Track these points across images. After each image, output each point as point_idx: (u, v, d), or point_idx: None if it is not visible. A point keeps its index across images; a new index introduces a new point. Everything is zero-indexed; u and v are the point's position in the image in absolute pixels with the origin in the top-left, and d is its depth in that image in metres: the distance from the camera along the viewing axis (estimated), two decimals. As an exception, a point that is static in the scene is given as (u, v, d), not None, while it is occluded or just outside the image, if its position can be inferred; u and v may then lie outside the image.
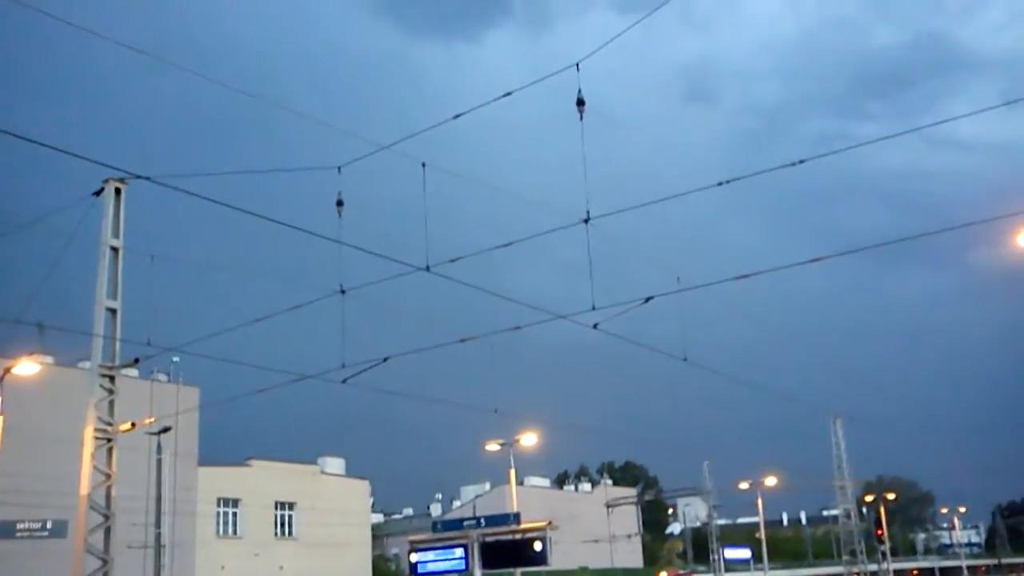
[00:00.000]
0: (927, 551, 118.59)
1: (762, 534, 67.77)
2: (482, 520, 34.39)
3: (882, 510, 69.07)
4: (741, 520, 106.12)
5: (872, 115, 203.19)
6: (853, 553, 61.09)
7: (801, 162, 13.38)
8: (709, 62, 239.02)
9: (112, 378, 19.26)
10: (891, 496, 77.73)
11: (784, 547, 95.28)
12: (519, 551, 31.62)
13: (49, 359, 34.88)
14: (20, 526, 33.87)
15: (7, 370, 22.72)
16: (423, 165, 14.72)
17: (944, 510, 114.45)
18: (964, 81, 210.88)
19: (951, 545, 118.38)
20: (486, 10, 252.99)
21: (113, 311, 19.22)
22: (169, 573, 38.52)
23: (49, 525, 34.17)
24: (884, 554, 64.72)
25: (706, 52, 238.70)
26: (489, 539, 32.14)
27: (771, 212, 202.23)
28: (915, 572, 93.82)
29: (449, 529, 34.89)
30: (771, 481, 62.36)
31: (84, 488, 18.58)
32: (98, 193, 18.74)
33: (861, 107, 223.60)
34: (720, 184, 14.06)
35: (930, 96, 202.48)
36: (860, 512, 68.46)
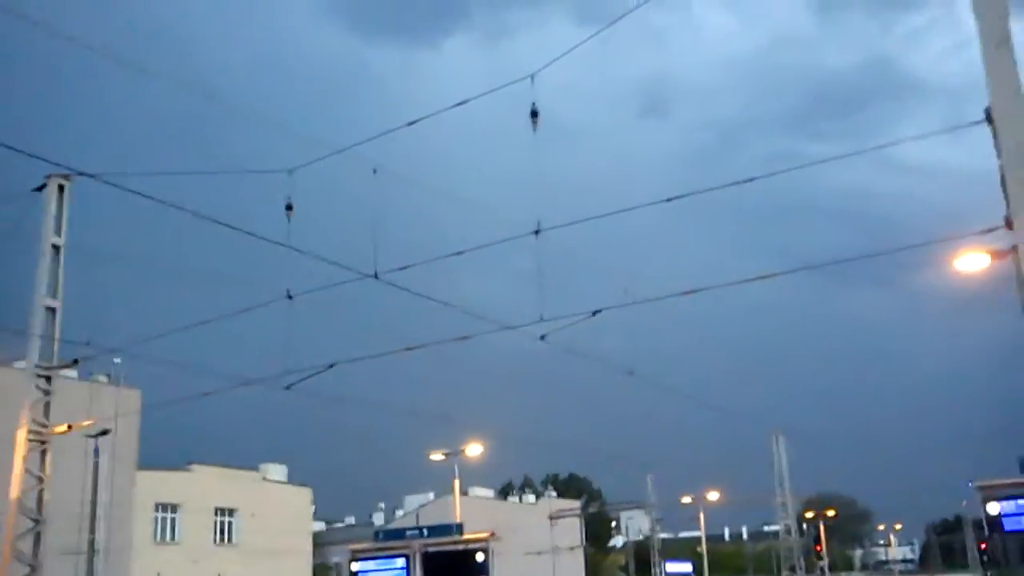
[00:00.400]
0: (864, 567, 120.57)
1: (703, 548, 68.37)
2: (424, 530, 34.23)
3: (821, 526, 70.05)
4: (683, 534, 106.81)
5: (824, 135, 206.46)
6: (793, 569, 61.86)
7: (751, 180, 13.54)
8: (665, 77, 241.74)
9: (49, 379, 18.83)
10: (831, 513, 78.88)
11: (725, 562, 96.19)
12: (461, 562, 31.41)
13: (-18, 358, 34.02)
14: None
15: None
16: (374, 171, 14.63)
17: (881, 527, 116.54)
18: (911, 105, 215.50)
19: (887, 561, 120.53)
20: (445, 18, 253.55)
21: (52, 310, 18.80)
22: (103, 579, 37.69)
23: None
24: (823, 570, 65.57)
25: (662, 67, 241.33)
26: (431, 549, 31.91)
27: (722, 228, 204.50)
28: None
29: (391, 538, 34.63)
30: (713, 496, 62.97)
31: (15, 491, 18.11)
32: (40, 189, 18.35)
33: (814, 127, 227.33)
34: (668, 200, 14.17)
35: (880, 118, 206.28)
36: (800, 528, 69.36)
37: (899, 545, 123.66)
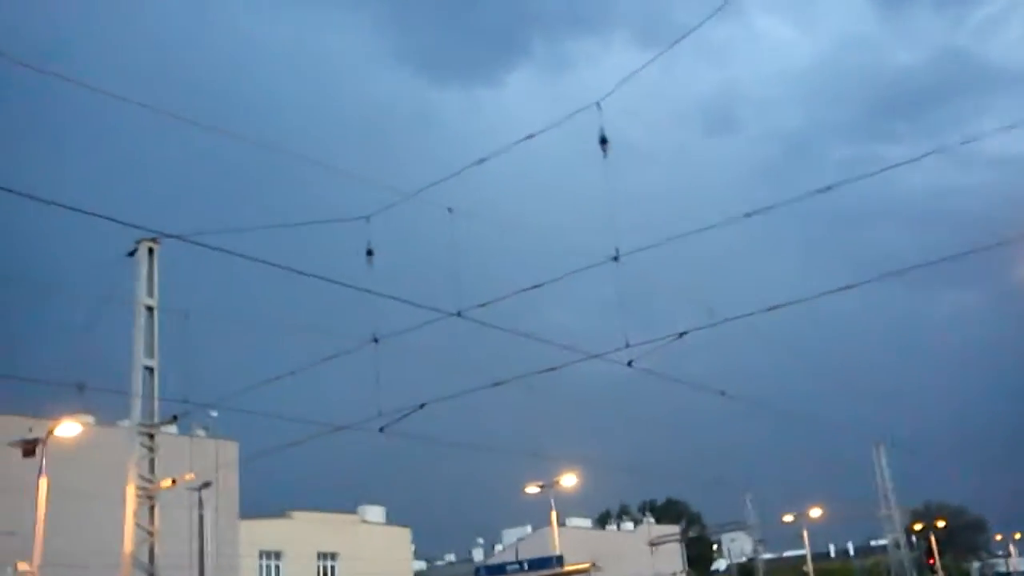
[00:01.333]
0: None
1: (809, 567, 66.50)
2: (525, 563, 34.18)
3: (932, 538, 67.63)
4: (787, 553, 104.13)
5: (897, 136, 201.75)
6: (905, 583, 59.79)
7: (829, 188, 13.33)
8: (729, 93, 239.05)
9: (152, 436, 19.43)
10: (941, 523, 76.11)
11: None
12: (564, 594, 31.34)
13: (90, 419, 35.19)
14: (65, 587, 33.98)
15: (49, 431, 22.93)
16: (449, 210, 14.82)
17: (999, 537, 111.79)
18: (989, 97, 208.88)
19: (1009, 573, 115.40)
20: (506, 54, 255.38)
21: (151, 369, 19.42)
22: (214, 628, 38.41)
23: (93, 584, 34.27)
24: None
25: (726, 83, 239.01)
26: (533, 583, 31.90)
27: (801, 240, 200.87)
28: None
29: (493, 574, 34.69)
30: (816, 512, 61.33)
31: (128, 546, 18.67)
32: (132, 254, 19.04)
33: (886, 129, 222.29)
34: (747, 215, 14.01)
35: (956, 114, 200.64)
36: (910, 541, 67.05)
37: (1021, 555, 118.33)
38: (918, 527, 74.33)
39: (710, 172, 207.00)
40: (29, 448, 22.87)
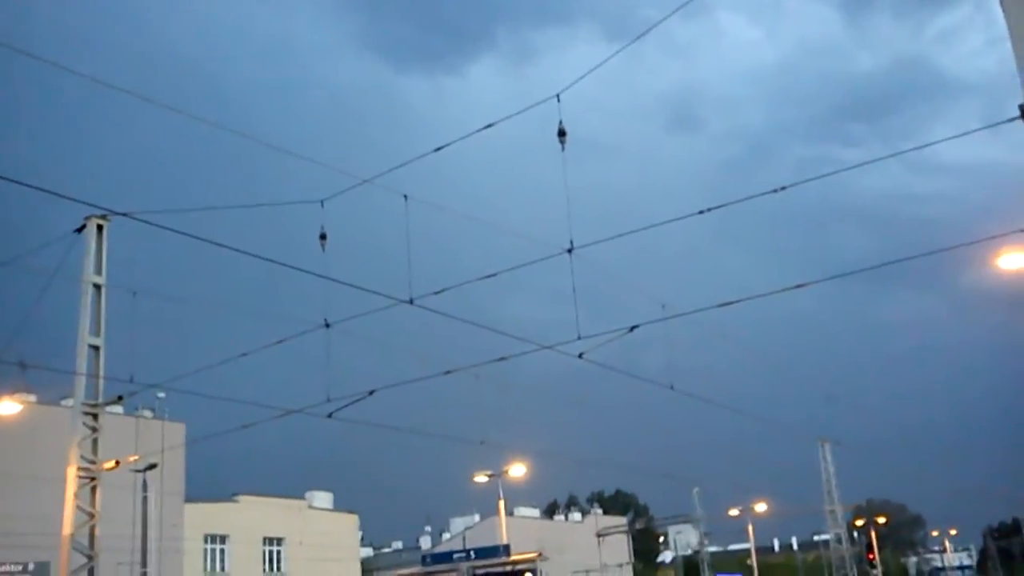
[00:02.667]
0: (919, 574, 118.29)
1: (753, 560, 67.51)
2: (472, 552, 34.24)
3: (873, 534, 68.95)
4: (732, 547, 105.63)
5: (856, 140, 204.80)
6: (845, 577, 60.89)
7: (783, 188, 13.46)
8: (692, 90, 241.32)
9: (95, 416, 19.11)
10: (881, 520, 77.65)
11: (776, 573, 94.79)
12: (509, 583, 31.44)
13: (32, 398, 34.56)
14: (1, 568, 33.43)
15: (-13, 410, 22.47)
16: (405, 197, 14.73)
17: (935, 533, 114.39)
18: (945, 105, 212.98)
19: (943, 568, 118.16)
20: (470, 43, 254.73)
21: (96, 348, 19.10)
22: (156, 612, 38.02)
23: (31, 567, 33.76)
24: (876, 578, 64.54)
25: (689, 80, 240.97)
26: (479, 571, 31.99)
27: (757, 238, 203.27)
28: None
29: (439, 562, 34.73)
30: (761, 507, 62.25)
31: (67, 528, 18.36)
32: (80, 230, 18.69)
33: (844, 132, 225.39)
34: (701, 212, 14.11)
35: (913, 120, 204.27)
36: (851, 536, 68.33)
37: (955, 550, 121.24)
38: (860, 523, 75.76)
39: (672, 168, 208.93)
40: (-33, 426, 22.43)
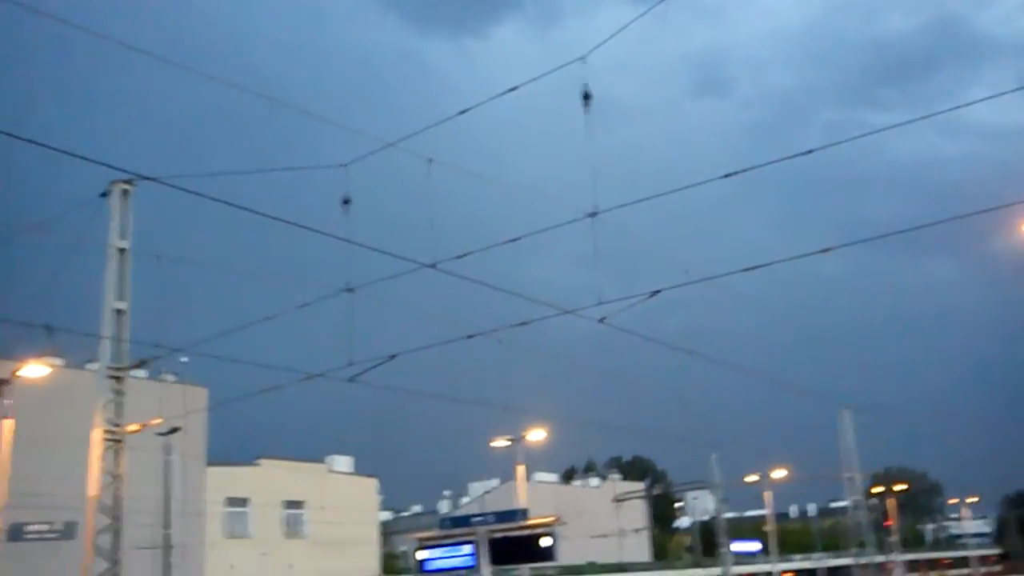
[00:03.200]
0: (936, 542, 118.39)
1: (771, 527, 67.67)
2: (490, 516, 34.38)
3: (890, 502, 68.97)
4: (749, 513, 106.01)
5: (886, 103, 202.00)
6: (862, 545, 61.00)
7: (810, 152, 13.31)
8: (719, 52, 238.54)
9: (120, 379, 19.29)
10: (900, 487, 77.56)
11: (793, 540, 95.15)
12: (527, 547, 31.53)
13: (59, 361, 34.88)
14: (29, 528, 33.91)
15: (14, 372, 22.73)
16: (429, 161, 14.68)
17: (953, 501, 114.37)
18: (980, 67, 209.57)
19: (960, 536, 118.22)
20: (495, 5, 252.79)
21: (121, 312, 19.24)
22: (179, 573, 38.56)
23: (59, 527, 34.23)
24: (893, 545, 64.63)
25: (716, 42, 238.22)
26: (497, 535, 32.08)
27: (783, 203, 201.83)
28: (944, 561, 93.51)
29: (456, 526, 34.84)
30: (779, 474, 62.29)
31: (92, 490, 18.63)
32: (105, 195, 18.77)
33: (874, 95, 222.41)
34: (727, 176, 13.98)
35: (945, 83, 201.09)
36: (868, 504, 68.38)
37: (973, 519, 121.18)
38: (878, 490, 75.72)
39: (699, 131, 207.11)
40: (-5, 388, 22.70)
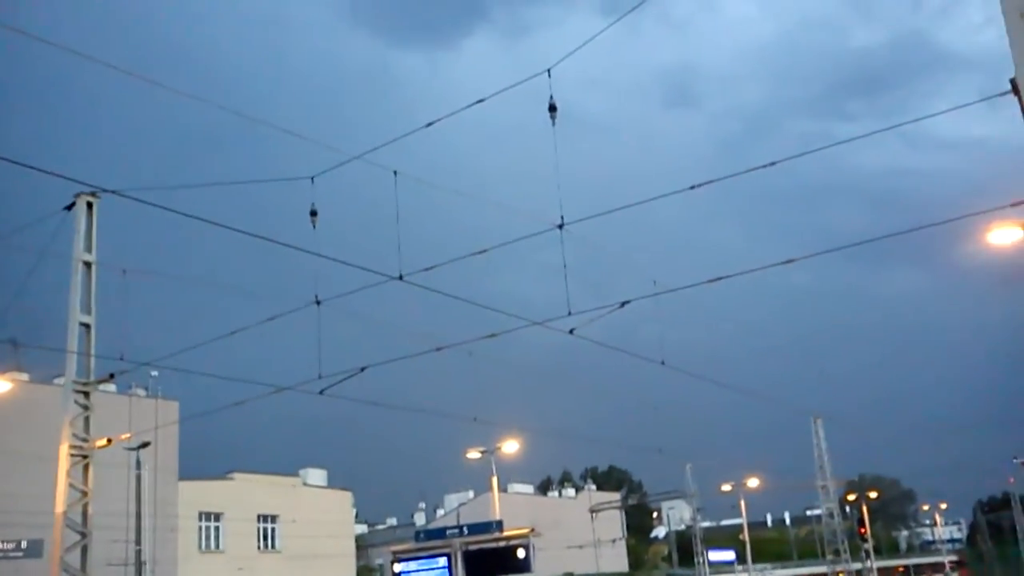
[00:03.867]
0: (910, 548, 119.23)
1: (746, 535, 67.97)
2: (465, 528, 34.37)
3: (864, 509, 69.36)
4: (725, 522, 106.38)
5: (853, 116, 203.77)
6: (837, 552, 61.29)
7: (773, 164, 13.43)
8: (689, 67, 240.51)
9: (87, 394, 19.08)
10: (873, 495, 78.12)
11: (768, 548, 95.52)
12: (503, 559, 31.59)
13: (24, 376, 34.53)
14: (-6, 546, 33.54)
15: (-21, 388, 22.47)
16: (395, 173, 14.68)
17: (926, 507, 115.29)
18: (943, 81, 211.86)
19: (933, 542, 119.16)
20: (465, 18, 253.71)
21: (87, 326, 19.05)
22: (151, 589, 38.22)
23: (24, 544, 33.83)
24: (868, 552, 64.94)
25: (686, 56, 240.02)
26: (472, 547, 32.12)
27: (750, 214, 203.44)
28: (900, 569, 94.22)
29: (432, 538, 34.85)
30: (753, 482, 62.61)
31: (59, 506, 18.38)
32: (69, 208, 18.60)
33: (842, 108, 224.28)
34: (693, 187, 14.08)
35: (911, 96, 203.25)
36: (843, 511, 68.77)
37: (945, 524, 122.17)
38: (852, 498, 76.21)
39: (668, 146, 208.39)
40: (-40, 405, 22.44)
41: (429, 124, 14.58)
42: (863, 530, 66.22)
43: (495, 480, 42.09)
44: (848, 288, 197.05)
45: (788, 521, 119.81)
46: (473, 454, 41.16)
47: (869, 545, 65.32)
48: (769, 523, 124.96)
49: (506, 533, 32.40)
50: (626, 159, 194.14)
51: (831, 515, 62.12)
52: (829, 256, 18.77)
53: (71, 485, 18.64)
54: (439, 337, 18.05)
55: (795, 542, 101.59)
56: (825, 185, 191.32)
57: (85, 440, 19.07)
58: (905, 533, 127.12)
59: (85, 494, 18.87)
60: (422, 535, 36.93)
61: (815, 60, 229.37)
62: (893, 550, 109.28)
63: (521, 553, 30.96)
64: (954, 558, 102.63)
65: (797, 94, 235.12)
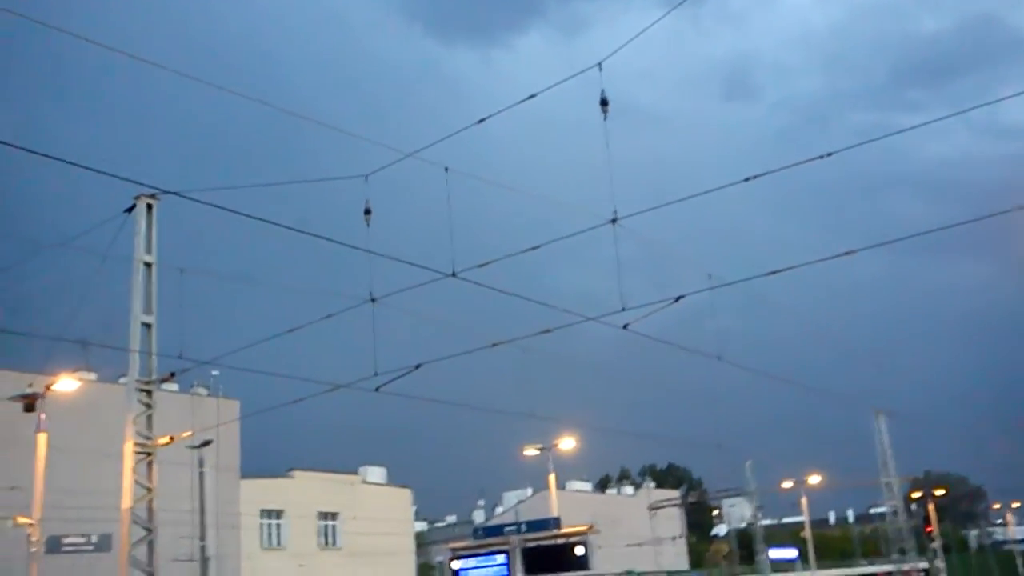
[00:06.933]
0: (980, 548, 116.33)
1: (808, 533, 66.95)
2: (523, 526, 34.32)
3: (931, 507, 67.90)
4: (787, 520, 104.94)
5: (917, 105, 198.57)
6: (903, 551, 60.12)
7: (829, 155, 13.16)
8: (746, 57, 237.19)
9: (149, 392, 19.46)
10: (940, 492, 76.31)
11: (831, 546, 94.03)
12: (561, 556, 31.47)
13: (92, 376, 35.38)
14: (66, 541, 34.39)
15: (47, 387, 23.08)
16: (446, 170, 14.71)
17: (997, 506, 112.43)
18: (1013, 67, 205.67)
19: (1005, 541, 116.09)
20: (519, 15, 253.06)
21: (148, 326, 19.44)
22: (215, 585, 38.88)
23: (94, 539, 34.67)
24: (935, 551, 63.57)
25: (743, 47, 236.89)
26: (530, 545, 32.05)
27: (808, 207, 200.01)
28: None
29: (490, 535, 34.84)
30: (815, 479, 61.64)
31: (126, 502, 18.80)
32: (130, 210, 18.99)
33: (903, 97, 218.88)
34: (747, 179, 13.86)
35: (979, 84, 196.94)
36: (908, 509, 67.37)
37: (1018, 524, 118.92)
38: (917, 495, 74.61)
39: (724, 139, 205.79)
40: (29, 403, 23.06)
41: (481, 120, 14.58)
42: (929, 528, 64.84)
43: (552, 477, 42.02)
44: (911, 280, 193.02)
45: (852, 519, 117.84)
46: (530, 451, 41.14)
47: (936, 544, 63.93)
48: (832, 521, 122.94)
49: (564, 530, 32.27)
50: (680, 152, 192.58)
51: (895, 513, 60.96)
52: (891, 248, 18.40)
53: (136, 482, 19.05)
54: (493, 334, 18.06)
55: (859, 540, 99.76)
56: (885, 176, 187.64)
57: (148, 438, 19.46)
58: (975, 532, 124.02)
59: (150, 490, 19.26)
60: (481, 532, 36.95)
61: (876, 48, 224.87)
62: (962, 549, 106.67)
63: (579, 550, 30.83)
64: None
65: (856, 84, 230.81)
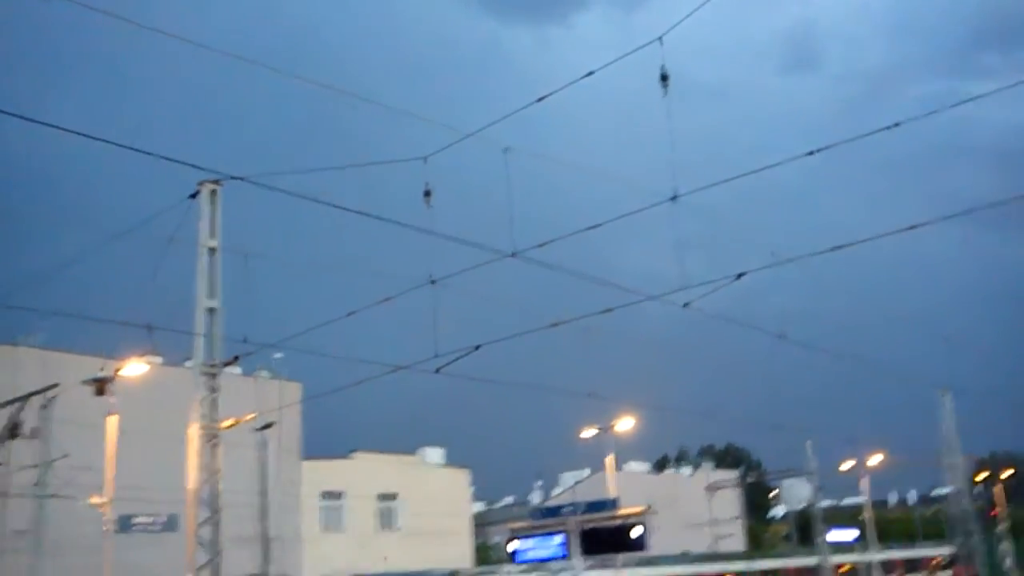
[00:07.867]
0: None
1: (868, 514, 65.98)
2: (580, 507, 34.33)
3: (998, 488, 66.50)
4: (847, 501, 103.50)
5: (988, 71, 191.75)
6: (968, 534, 58.95)
7: (897, 125, 12.84)
8: (808, 27, 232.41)
9: (214, 376, 19.78)
10: (1007, 473, 74.61)
11: (892, 528, 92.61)
12: (618, 537, 31.43)
13: (158, 359, 36.09)
14: (136, 520, 35.27)
15: (117, 371, 23.60)
16: (505, 150, 14.65)
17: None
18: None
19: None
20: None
21: (212, 310, 19.73)
22: (277, 566, 39.49)
23: (163, 519, 35.49)
24: (1001, 535, 62.24)
25: (805, 16, 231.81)
26: (588, 526, 32.05)
27: (872, 180, 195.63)
28: None
29: (547, 516, 34.93)
30: (876, 460, 60.62)
31: (192, 483, 19.18)
32: (194, 196, 19.26)
33: (975, 63, 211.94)
34: (811, 153, 13.59)
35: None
36: (972, 491, 65.99)
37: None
38: (983, 476, 73.04)
39: (786, 112, 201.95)
40: (100, 387, 23.63)
41: (540, 99, 14.48)
42: (995, 511, 63.50)
43: (610, 458, 41.99)
44: (974, 254, 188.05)
45: (914, 500, 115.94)
46: (588, 432, 41.10)
47: (1002, 528, 62.63)
48: (893, 502, 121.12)
49: (621, 511, 32.22)
50: (741, 126, 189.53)
51: (959, 495, 59.75)
52: (959, 221, 17.94)
53: (201, 464, 19.41)
54: (553, 313, 18.00)
55: (921, 522, 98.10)
56: (953, 147, 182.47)
57: (213, 420, 19.79)
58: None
59: (214, 472, 19.61)
60: (538, 513, 37.09)
61: (943, 14, 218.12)
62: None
63: (637, 531, 30.74)
64: None
65: (924, 51, 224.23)
